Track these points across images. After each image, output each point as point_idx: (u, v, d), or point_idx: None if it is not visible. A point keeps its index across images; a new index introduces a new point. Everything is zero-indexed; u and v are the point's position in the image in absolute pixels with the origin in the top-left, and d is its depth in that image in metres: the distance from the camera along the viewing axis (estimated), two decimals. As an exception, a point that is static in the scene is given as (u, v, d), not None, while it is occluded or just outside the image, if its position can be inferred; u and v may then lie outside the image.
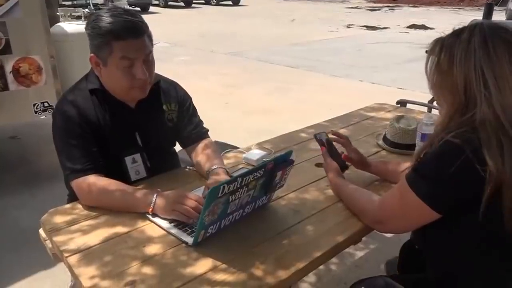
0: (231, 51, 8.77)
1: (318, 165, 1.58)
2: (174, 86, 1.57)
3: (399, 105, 3.12)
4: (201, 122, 1.61)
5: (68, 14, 3.10)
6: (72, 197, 1.52)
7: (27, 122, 3.62)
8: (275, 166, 1.17)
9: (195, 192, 1.36)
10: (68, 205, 1.33)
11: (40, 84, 2.85)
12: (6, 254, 2.37)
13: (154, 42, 1.38)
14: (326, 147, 1.46)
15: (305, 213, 1.26)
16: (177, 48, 9.23)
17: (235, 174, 1.38)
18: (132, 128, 1.45)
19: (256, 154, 1.61)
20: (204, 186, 1.35)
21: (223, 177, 1.33)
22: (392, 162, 1.47)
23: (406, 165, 1.39)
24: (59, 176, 3.28)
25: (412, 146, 1.65)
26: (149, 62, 1.35)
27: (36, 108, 2.87)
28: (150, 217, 1.22)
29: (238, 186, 1.06)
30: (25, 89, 2.80)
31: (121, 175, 1.41)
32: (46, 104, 2.91)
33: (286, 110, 4.95)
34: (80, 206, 1.31)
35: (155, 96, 1.47)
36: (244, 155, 1.61)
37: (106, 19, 1.27)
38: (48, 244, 1.36)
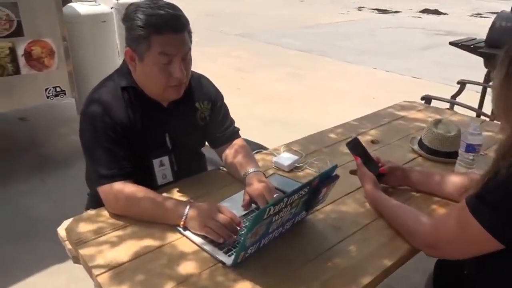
0: (240, 32, 8.58)
1: (353, 172, 1.50)
2: (206, 82, 1.47)
3: (423, 101, 3.02)
4: (233, 121, 1.52)
5: (81, -6, 2.96)
6: (93, 198, 1.45)
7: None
8: (320, 183, 1.08)
9: (229, 200, 1.28)
10: (92, 212, 1.25)
11: (52, 68, 2.75)
12: (17, 245, 2.32)
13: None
14: (360, 157, 1.37)
15: (346, 230, 1.18)
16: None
17: (271, 182, 1.31)
18: (162, 129, 1.36)
19: (286, 158, 1.52)
20: (243, 193, 1.27)
21: (262, 184, 1.25)
22: (435, 174, 1.38)
23: (453, 179, 1.31)
24: (68, 162, 3.22)
25: (452, 154, 1.56)
26: (186, 61, 1.25)
27: (48, 93, 2.78)
28: (181, 230, 1.14)
29: (283, 206, 0.98)
30: (37, 73, 2.69)
31: (147, 178, 1.33)
32: (58, 89, 2.81)
33: (298, 98, 4.83)
34: (105, 213, 1.23)
35: (188, 94, 1.37)
36: (274, 159, 1.53)
37: (146, 10, 1.17)
38: (67, 245, 1.29)
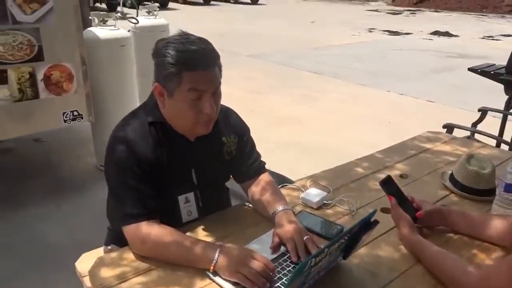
0: (252, 53, 8.63)
1: (384, 210, 1.44)
2: (233, 115, 1.44)
3: (445, 129, 2.96)
4: (259, 155, 1.48)
5: (101, 19, 2.97)
6: (115, 234, 1.41)
7: (53, 127, 3.53)
8: (360, 230, 1.03)
9: (257, 241, 1.23)
10: (115, 254, 1.20)
11: (71, 92, 2.74)
12: (30, 274, 2.27)
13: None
14: (394, 196, 1.31)
15: (384, 277, 1.12)
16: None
17: (301, 221, 1.26)
18: (189, 164, 1.32)
19: (315, 195, 1.46)
20: (273, 234, 1.22)
21: (293, 226, 1.19)
22: (474, 216, 1.32)
23: (494, 222, 1.24)
24: (85, 185, 3.18)
25: (488, 192, 1.50)
26: (216, 95, 1.22)
27: (66, 117, 2.77)
28: (210, 275, 1.09)
29: (323, 256, 0.92)
30: (55, 97, 2.69)
31: (171, 215, 1.29)
32: (75, 113, 2.80)
33: (313, 121, 4.79)
34: (129, 255, 1.18)
35: (215, 128, 1.33)
36: (302, 195, 1.47)
37: (177, 46, 1.14)
38: (87, 282, 1.24)
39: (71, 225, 2.66)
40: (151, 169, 1.22)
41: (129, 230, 1.17)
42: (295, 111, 5.13)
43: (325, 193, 1.48)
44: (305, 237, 1.17)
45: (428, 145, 2.03)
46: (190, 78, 1.14)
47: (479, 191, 1.52)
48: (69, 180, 3.24)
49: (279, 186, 1.55)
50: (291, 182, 1.75)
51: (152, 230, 1.15)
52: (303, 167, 3.46)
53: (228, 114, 1.41)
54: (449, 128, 2.79)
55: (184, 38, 1.17)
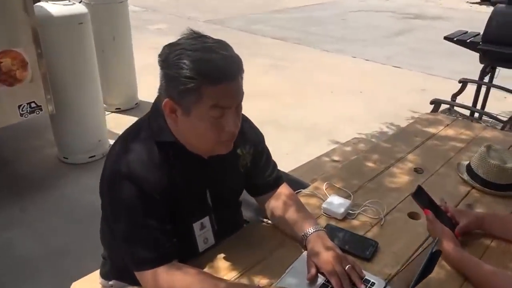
0: (210, 18, 8.19)
1: (412, 215, 1.34)
2: (247, 124, 1.24)
3: (432, 105, 2.92)
4: (275, 164, 1.31)
5: (51, -8, 2.58)
6: (112, 265, 1.23)
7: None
8: (427, 266, 0.91)
9: (292, 272, 1.08)
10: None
11: (26, 81, 2.38)
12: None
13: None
14: (429, 209, 1.20)
15: (437, 304, 1.02)
16: (150, 14, 8.52)
17: (332, 239, 1.12)
18: (203, 185, 1.13)
19: (338, 205, 1.33)
20: (308, 262, 1.08)
21: (331, 254, 1.05)
22: (508, 217, 1.25)
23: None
24: (48, 181, 2.87)
25: (510, 187, 1.43)
26: (239, 109, 1.02)
27: (22, 110, 2.42)
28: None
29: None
30: (7, 88, 2.32)
31: (186, 246, 1.11)
32: (33, 105, 2.46)
33: (286, 93, 4.62)
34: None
35: None
36: (324, 206, 1.33)
37: (194, 54, 0.92)
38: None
39: (40, 231, 2.39)
40: (164, 199, 1.02)
41: (145, 278, 0.98)
42: (265, 83, 4.92)
43: (349, 202, 1.35)
44: (347, 267, 1.04)
45: (431, 130, 1.94)
46: (212, 94, 0.93)
47: (502, 186, 1.45)
48: (30, 177, 2.91)
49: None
50: (302, 183, 1.61)
51: (175, 279, 0.97)
52: (284, 146, 3.33)
53: (244, 123, 1.21)
54: (436, 103, 2.73)
55: (201, 43, 0.94)
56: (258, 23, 7.99)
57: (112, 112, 3.86)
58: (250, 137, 1.23)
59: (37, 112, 2.48)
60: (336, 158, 2.25)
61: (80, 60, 2.73)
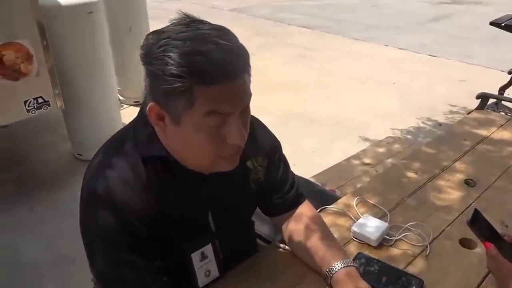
0: (235, 6, 7.94)
1: (465, 243, 1.08)
2: (260, 129, 1.01)
3: (479, 99, 2.59)
4: (294, 178, 1.08)
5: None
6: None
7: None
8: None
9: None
10: None
11: (31, 75, 2.23)
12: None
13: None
14: (490, 240, 0.94)
15: None
16: (173, 3, 8.34)
17: (362, 274, 0.89)
18: (204, 208, 0.92)
19: (372, 228, 1.08)
20: None
21: None
22: None
23: None
24: (59, 179, 2.72)
25: None
26: (246, 115, 0.79)
27: (29, 106, 2.27)
28: None
29: None
30: (12, 83, 2.18)
31: (183, 281, 0.90)
32: (40, 100, 2.30)
33: (312, 85, 4.35)
34: None
35: None
36: (354, 229, 1.09)
37: (184, 46, 0.69)
38: None
39: (47, 234, 2.25)
40: (152, 227, 0.81)
41: None
42: (291, 74, 4.66)
43: (385, 224, 1.10)
44: None
45: (482, 131, 1.65)
46: (208, 96, 0.70)
47: None
48: (41, 175, 2.79)
49: (318, 211, 1.16)
50: (328, 195, 1.38)
51: None
52: (309, 143, 3.09)
53: (253, 128, 0.97)
54: (484, 98, 2.41)
55: (194, 30, 0.71)
56: (285, 11, 7.69)
57: (130, 105, 3.71)
58: (263, 146, 1.00)
59: (45, 108, 2.33)
60: (367, 161, 2.00)
61: (90, 51, 2.56)
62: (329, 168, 1.98)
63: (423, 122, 3.53)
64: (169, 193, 0.84)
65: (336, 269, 0.90)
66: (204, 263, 0.94)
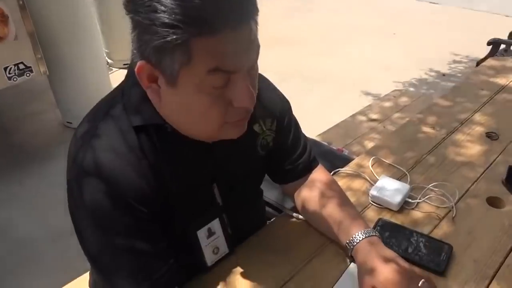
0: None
1: (493, 202, 0.99)
2: (267, 89, 0.88)
3: (490, 46, 2.45)
4: (306, 141, 0.97)
5: None
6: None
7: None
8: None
9: None
10: None
11: (8, 39, 2.05)
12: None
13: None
14: None
15: None
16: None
17: (386, 242, 0.80)
18: (208, 179, 0.81)
19: (392, 190, 0.99)
20: (357, 279, 0.78)
21: (395, 269, 0.74)
22: None
23: None
24: (49, 151, 2.61)
25: None
26: (254, 71, 0.67)
27: (9, 73, 2.11)
28: None
29: None
30: (-12, 48, 2.01)
31: (190, 261, 0.81)
32: (21, 66, 2.14)
33: (311, 39, 4.16)
34: None
35: None
36: (372, 192, 1.00)
37: None
38: None
39: (38, 208, 2.16)
40: (153, 207, 0.70)
41: None
42: (289, 27, 4.44)
43: (406, 186, 1.00)
44: (421, 283, 0.72)
45: (499, 80, 1.54)
46: (209, 50, 0.57)
47: None
48: (30, 145, 2.67)
49: (332, 174, 1.07)
50: (339, 156, 1.28)
51: None
52: (310, 102, 2.96)
53: (260, 88, 0.83)
54: (496, 44, 2.27)
55: None
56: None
57: (119, 68, 3.54)
58: (272, 107, 0.88)
59: (27, 75, 2.17)
60: (374, 116, 1.89)
61: (71, 11, 2.37)
62: (334, 127, 1.88)
63: (425, 73, 3.40)
64: (168, 166, 0.73)
65: (358, 240, 0.81)
66: (211, 239, 0.84)
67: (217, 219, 0.84)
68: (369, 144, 1.70)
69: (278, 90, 0.91)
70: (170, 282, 0.73)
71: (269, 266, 0.85)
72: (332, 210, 0.88)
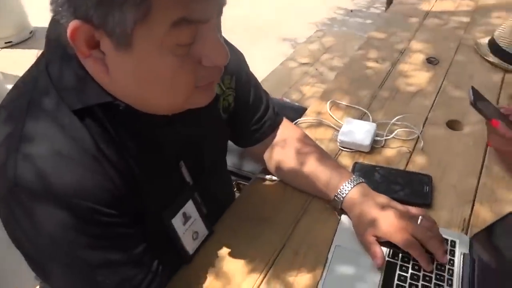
0: None
1: (452, 125, 1.00)
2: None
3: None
4: (268, 96, 0.87)
5: None
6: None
7: None
8: None
9: (335, 254, 0.72)
10: None
11: None
12: None
13: None
14: (494, 116, 0.86)
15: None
16: None
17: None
18: (174, 158, 0.68)
19: (361, 133, 0.94)
20: (361, 237, 0.73)
21: (393, 214, 0.70)
22: None
23: None
24: None
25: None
26: (219, 21, 0.54)
27: None
28: None
29: None
30: None
31: (169, 255, 0.69)
32: None
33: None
34: None
35: None
36: (340, 137, 0.94)
37: None
38: None
39: None
40: (122, 207, 0.56)
41: None
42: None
43: (373, 125, 0.97)
44: (420, 219, 0.70)
45: (423, 6, 1.55)
46: None
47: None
48: None
49: (295, 123, 1.00)
50: (290, 106, 1.21)
51: None
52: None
53: None
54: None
55: None
56: None
57: (1, 48, 3.05)
58: (229, 64, 0.76)
59: None
60: (304, 60, 1.84)
61: None
62: (265, 77, 1.79)
63: (334, 12, 3.42)
64: (128, 152, 0.59)
65: (346, 191, 0.76)
66: (188, 225, 0.73)
67: (190, 201, 0.73)
68: (307, 89, 1.65)
69: (232, 45, 0.79)
70: (160, 285, 0.61)
71: (256, 238, 0.76)
72: (312, 166, 0.81)
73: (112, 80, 0.52)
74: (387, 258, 0.70)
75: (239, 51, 0.81)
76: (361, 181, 0.77)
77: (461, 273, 0.68)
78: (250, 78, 0.82)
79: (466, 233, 0.75)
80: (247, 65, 0.82)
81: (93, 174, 0.53)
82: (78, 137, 0.52)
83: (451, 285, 0.66)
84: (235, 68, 0.78)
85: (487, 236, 0.70)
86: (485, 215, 0.79)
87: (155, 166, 0.63)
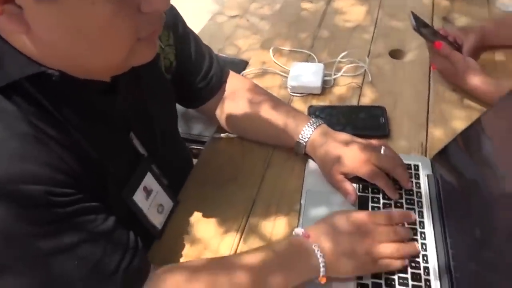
0: None
1: (395, 55, 1.01)
2: None
3: None
4: (210, 50, 0.81)
5: None
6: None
7: None
8: None
9: (313, 197, 0.71)
10: None
11: None
12: None
13: None
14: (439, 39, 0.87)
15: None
16: None
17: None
18: (122, 129, 0.62)
19: (310, 75, 0.92)
20: (330, 177, 0.72)
21: (357, 147, 0.70)
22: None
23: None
24: None
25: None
26: None
27: None
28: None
29: None
30: None
31: (140, 233, 0.64)
32: None
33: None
34: None
35: None
36: (290, 83, 0.92)
37: None
38: None
39: None
40: (76, 186, 0.50)
41: None
42: None
43: (321, 65, 0.94)
44: (382, 149, 0.70)
45: None
46: None
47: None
48: None
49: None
50: (226, 58, 1.16)
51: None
52: None
53: None
54: None
55: None
56: None
57: None
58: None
59: None
60: (233, 13, 1.76)
61: None
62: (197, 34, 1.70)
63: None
64: (71, 127, 0.51)
65: (309, 134, 0.74)
66: (151, 199, 0.68)
67: (149, 173, 0.67)
68: (242, 43, 1.60)
69: None
70: (142, 268, 0.56)
71: (224, 199, 0.73)
72: (267, 115, 0.78)
73: (35, 42, 0.44)
74: (358, 193, 0.70)
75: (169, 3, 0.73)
76: (320, 123, 0.75)
77: (428, 193, 0.70)
78: (188, 31, 0.76)
79: (426, 156, 0.77)
80: (181, 17, 0.75)
81: (37, 156, 0.45)
82: (10, 120, 0.44)
83: (421, 206, 0.68)
84: (171, 22, 0.71)
85: (446, 155, 0.72)
86: (440, 135, 0.81)
87: (105, 141, 0.57)
